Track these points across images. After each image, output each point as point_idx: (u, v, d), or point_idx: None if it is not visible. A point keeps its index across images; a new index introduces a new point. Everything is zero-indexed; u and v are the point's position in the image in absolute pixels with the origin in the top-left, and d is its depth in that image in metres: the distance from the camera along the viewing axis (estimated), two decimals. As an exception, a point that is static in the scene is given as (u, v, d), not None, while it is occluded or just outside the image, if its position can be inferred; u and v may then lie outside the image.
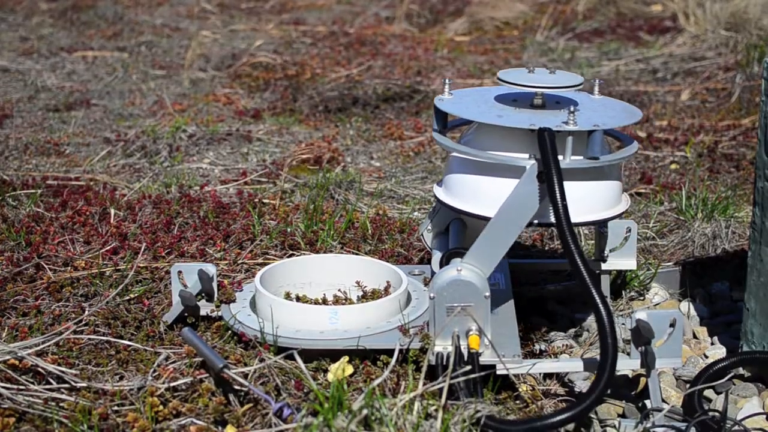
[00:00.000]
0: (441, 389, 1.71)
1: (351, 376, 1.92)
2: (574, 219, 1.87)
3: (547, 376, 2.06)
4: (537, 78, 2.03)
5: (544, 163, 1.87)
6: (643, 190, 3.15)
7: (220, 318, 2.11)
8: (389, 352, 1.93)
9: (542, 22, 5.87)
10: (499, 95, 2.12)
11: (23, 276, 2.39)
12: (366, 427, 1.61)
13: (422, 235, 2.29)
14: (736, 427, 1.80)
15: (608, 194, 2.02)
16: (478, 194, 2.00)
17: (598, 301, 1.78)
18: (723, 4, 5.29)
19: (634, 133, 3.73)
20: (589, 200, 1.97)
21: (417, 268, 2.33)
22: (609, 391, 1.87)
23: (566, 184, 1.86)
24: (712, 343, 2.26)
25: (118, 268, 2.43)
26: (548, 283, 2.51)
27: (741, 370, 2.06)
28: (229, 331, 2.06)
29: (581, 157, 1.94)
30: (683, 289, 2.52)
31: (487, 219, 1.97)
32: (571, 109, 1.91)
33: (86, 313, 2.20)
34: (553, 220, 1.86)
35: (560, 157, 1.90)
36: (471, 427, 1.67)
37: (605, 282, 2.38)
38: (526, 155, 1.93)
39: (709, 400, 1.98)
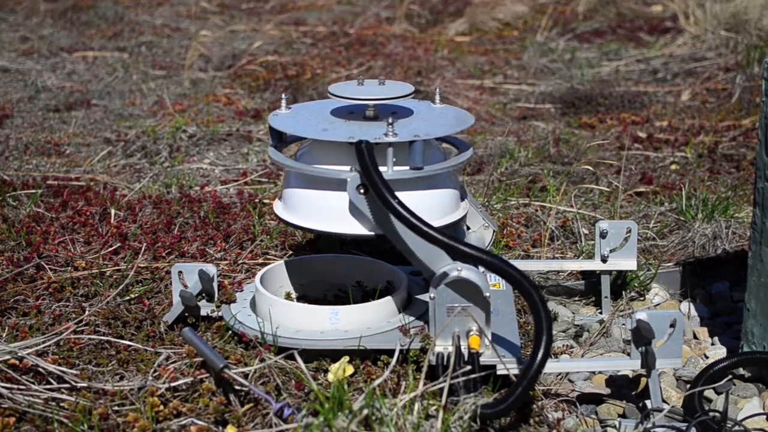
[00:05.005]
0: (441, 389, 1.71)
1: (351, 376, 1.92)
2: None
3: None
4: (364, 90, 2.04)
5: (364, 175, 1.87)
6: (643, 191, 3.15)
7: (221, 318, 2.11)
8: (390, 352, 1.93)
9: (542, 23, 5.87)
10: (336, 108, 2.12)
11: (23, 276, 2.39)
12: (366, 427, 1.61)
13: None
14: (737, 428, 1.80)
15: (439, 203, 2.01)
16: (311, 208, 2.00)
17: (474, 252, 1.81)
18: (723, 4, 5.29)
19: (635, 134, 3.74)
20: (419, 209, 1.90)
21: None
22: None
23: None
24: (713, 344, 2.26)
25: (118, 268, 2.43)
26: (548, 283, 2.51)
27: (741, 371, 2.06)
28: (230, 331, 2.06)
29: (407, 168, 1.94)
30: (683, 289, 2.52)
31: (321, 233, 2.00)
32: (390, 120, 1.92)
33: (86, 313, 2.20)
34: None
35: (384, 168, 1.90)
36: (470, 423, 1.67)
37: (605, 282, 2.38)
38: (348, 168, 1.93)
39: (710, 401, 1.98)
